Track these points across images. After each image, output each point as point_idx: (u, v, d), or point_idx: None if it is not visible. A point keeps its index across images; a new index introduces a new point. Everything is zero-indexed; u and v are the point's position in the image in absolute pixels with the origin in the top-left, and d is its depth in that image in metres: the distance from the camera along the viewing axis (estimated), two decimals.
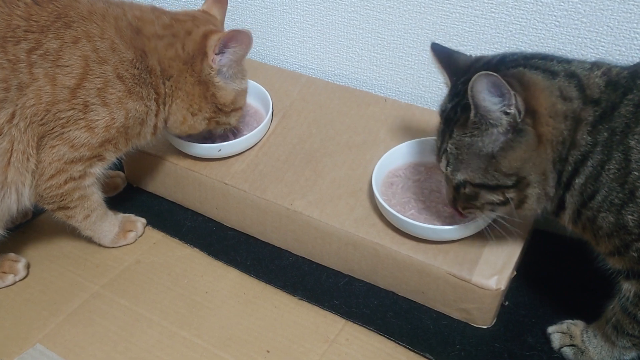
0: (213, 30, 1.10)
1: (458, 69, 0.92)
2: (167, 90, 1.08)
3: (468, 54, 1.18)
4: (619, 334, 0.87)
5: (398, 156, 1.12)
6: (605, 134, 0.78)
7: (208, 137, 1.21)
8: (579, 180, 0.80)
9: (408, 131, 1.19)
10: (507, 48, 1.14)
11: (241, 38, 1.06)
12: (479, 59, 0.91)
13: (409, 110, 1.25)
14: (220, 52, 1.07)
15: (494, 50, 1.16)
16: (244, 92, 1.16)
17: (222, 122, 1.15)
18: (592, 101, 0.79)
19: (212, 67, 1.08)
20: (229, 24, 1.46)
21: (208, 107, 1.11)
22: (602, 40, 1.05)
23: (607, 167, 0.78)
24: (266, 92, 1.27)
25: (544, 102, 0.80)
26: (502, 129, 0.80)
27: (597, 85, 0.80)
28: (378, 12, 1.25)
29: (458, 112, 0.85)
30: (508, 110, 0.79)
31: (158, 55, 1.05)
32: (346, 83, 1.39)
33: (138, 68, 1.03)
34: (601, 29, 1.04)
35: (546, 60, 0.84)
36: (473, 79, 0.77)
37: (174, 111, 1.10)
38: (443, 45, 0.97)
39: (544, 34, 1.09)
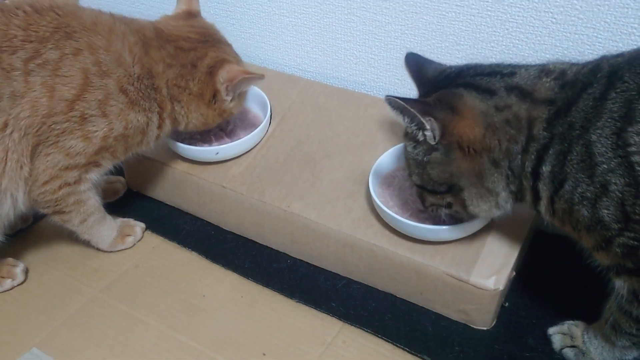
0: (216, 62, 1.09)
1: (426, 80, 0.96)
2: (176, 108, 1.09)
3: (465, 53, 1.18)
4: (618, 333, 0.86)
5: (395, 157, 1.11)
6: (560, 128, 0.80)
7: (202, 139, 1.22)
8: (546, 168, 0.82)
9: None
10: (504, 46, 1.13)
11: (253, 82, 1.14)
12: (442, 71, 0.96)
13: None
14: (233, 90, 1.11)
15: (491, 49, 1.15)
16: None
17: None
18: (544, 101, 0.82)
19: (225, 99, 1.11)
20: (228, 29, 1.47)
21: (220, 118, 1.14)
22: (600, 36, 1.03)
23: (568, 157, 0.79)
24: (264, 95, 1.27)
25: (474, 121, 0.84)
26: (425, 145, 0.88)
27: (550, 88, 0.83)
28: (374, 14, 1.25)
29: None
30: (425, 132, 0.87)
31: (167, 80, 1.06)
32: (344, 85, 1.38)
33: (144, 84, 1.03)
34: (598, 24, 1.03)
35: (491, 76, 0.87)
36: (384, 98, 0.87)
37: (192, 128, 1.13)
38: (419, 55, 1.01)
39: (540, 31, 1.08)
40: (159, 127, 1.09)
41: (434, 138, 0.86)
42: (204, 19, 1.17)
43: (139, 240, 1.20)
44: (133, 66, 1.02)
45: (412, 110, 0.85)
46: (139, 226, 1.21)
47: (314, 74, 1.42)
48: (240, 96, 1.16)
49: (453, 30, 1.17)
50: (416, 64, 0.99)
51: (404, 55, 1.01)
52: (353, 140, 1.20)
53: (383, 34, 1.26)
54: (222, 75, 1.08)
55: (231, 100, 1.12)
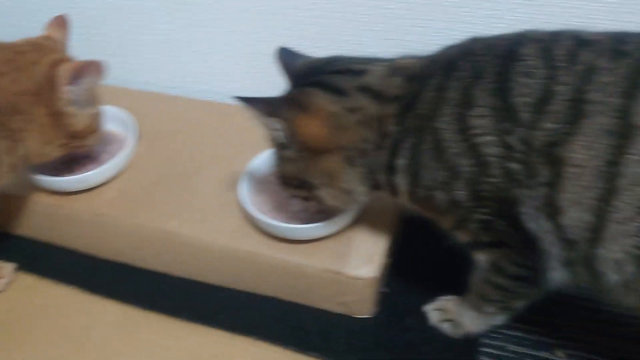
0: (61, 59, 1.06)
1: (294, 74, 0.96)
2: (20, 125, 1.02)
3: (321, 55, 1.20)
4: (485, 302, 0.92)
5: (265, 163, 1.12)
6: (411, 120, 0.83)
7: (67, 169, 1.18)
8: (401, 162, 0.85)
9: None
10: (356, 44, 1.17)
11: (92, 69, 1.04)
12: (305, 64, 0.95)
13: None
14: (72, 82, 1.04)
15: (347, 50, 1.18)
16: (98, 115, 1.13)
17: (80, 145, 1.11)
18: (392, 99, 0.85)
19: (63, 98, 1.05)
20: (87, 53, 1.42)
21: (62, 134, 1.07)
22: (437, 26, 1.09)
23: (421, 147, 0.83)
24: (129, 116, 1.25)
25: (323, 121, 0.86)
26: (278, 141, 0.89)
27: (399, 85, 0.86)
28: (231, 25, 1.26)
29: None
30: (275, 129, 0.88)
31: (2, 92, 1.00)
32: (210, 97, 1.38)
33: None
34: (438, 15, 1.09)
35: (343, 75, 0.88)
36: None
37: (30, 145, 1.05)
38: (291, 49, 1.00)
39: (386, 27, 1.13)
40: (10, 152, 1.02)
41: (283, 137, 0.88)
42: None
43: (10, 282, 1.14)
44: None
45: (257, 111, 0.86)
46: (9, 267, 1.14)
47: (177, 89, 1.41)
48: (86, 106, 1.08)
49: (307, 34, 1.20)
50: (288, 56, 0.99)
51: (276, 51, 0.99)
52: (222, 151, 1.20)
53: (238, 44, 1.28)
54: (62, 68, 1.03)
55: (71, 103, 1.05)
